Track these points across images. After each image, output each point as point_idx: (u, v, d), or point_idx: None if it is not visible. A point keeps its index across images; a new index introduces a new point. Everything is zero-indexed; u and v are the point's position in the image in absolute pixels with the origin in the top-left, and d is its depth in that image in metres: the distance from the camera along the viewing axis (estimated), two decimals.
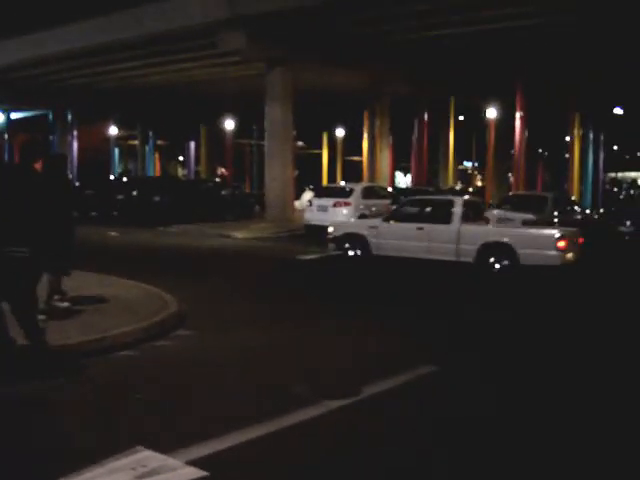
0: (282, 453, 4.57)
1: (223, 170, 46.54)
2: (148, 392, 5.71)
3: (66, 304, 8.02)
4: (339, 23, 22.15)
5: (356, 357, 7.05)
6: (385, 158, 30.65)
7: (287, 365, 6.69)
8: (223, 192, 28.71)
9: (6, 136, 39.70)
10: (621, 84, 30.18)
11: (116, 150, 46.82)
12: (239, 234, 21.10)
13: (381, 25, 22.25)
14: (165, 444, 4.48)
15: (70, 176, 32.34)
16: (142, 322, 7.62)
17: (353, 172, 42.24)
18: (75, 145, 39.48)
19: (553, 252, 11.91)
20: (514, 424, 5.23)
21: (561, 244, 11.94)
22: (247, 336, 7.80)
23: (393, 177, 40.29)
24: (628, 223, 18.64)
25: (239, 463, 4.39)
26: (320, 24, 22.02)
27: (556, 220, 17.39)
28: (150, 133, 44.99)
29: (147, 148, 45.55)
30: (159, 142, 48.86)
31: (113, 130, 42.72)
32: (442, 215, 13.30)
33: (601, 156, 36.35)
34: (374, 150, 30.07)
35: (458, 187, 39.54)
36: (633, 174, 67.14)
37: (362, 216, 19.51)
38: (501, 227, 13.70)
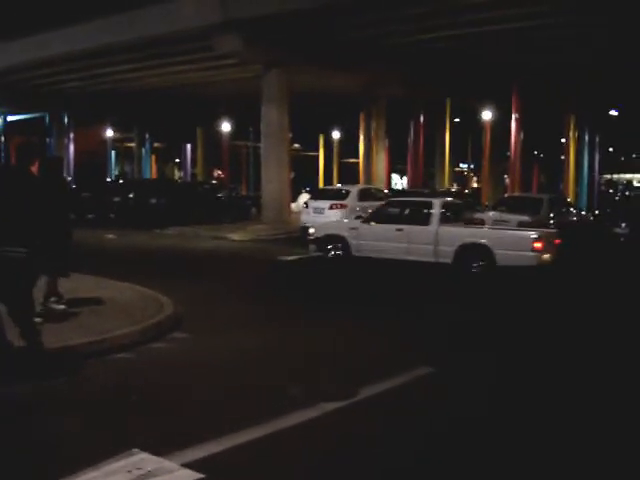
0: (278, 455, 4.58)
1: (219, 172, 46.52)
2: (144, 394, 5.72)
3: (62, 306, 8.03)
4: (335, 26, 22.16)
5: (350, 358, 7.07)
6: (381, 160, 30.65)
7: (283, 367, 6.70)
8: (219, 194, 28.73)
9: (2, 139, 39.63)
10: (617, 86, 30.24)
11: (113, 152, 46.79)
12: (235, 236, 21.12)
13: (377, 28, 22.25)
14: (161, 446, 4.48)
15: (69, 179, 32.35)
16: (138, 324, 7.64)
17: (349, 174, 42.24)
18: (72, 148, 39.39)
19: (529, 253, 12.06)
20: (512, 424, 5.25)
21: (537, 245, 12.09)
22: (242, 338, 7.82)
23: (389, 179, 40.27)
24: (623, 225, 18.68)
25: (235, 465, 4.40)
26: (316, 27, 22.02)
27: (552, 222, 17.45)
28: (147, 135, 44.96)
29: (144, 150, 45.48)
30: (156, 144, 48.81)
31: (110, 133, 42.67)
32: (421, 217, 13.46)
33: (596, 158, 36.38)
34: (370, 152, 30.08)
35: (454, 189, 39.55)
36: (628, 176, 67.34)
37: (358, 218, 19.50)
38: (478, 228, 13.82)
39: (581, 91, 30.02)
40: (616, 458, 4.68)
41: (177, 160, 54.90)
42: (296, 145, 47.17)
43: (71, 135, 39.33)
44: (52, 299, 7.99)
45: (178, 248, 18.06)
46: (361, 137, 31.04)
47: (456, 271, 12.57)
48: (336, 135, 46.37)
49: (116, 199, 26.35)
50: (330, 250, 14.30)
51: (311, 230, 15.22)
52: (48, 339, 6.32)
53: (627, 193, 47.81)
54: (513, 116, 27.95)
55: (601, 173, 42.27)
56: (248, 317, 9.09)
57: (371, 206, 21.39)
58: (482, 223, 15.47)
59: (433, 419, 5.36)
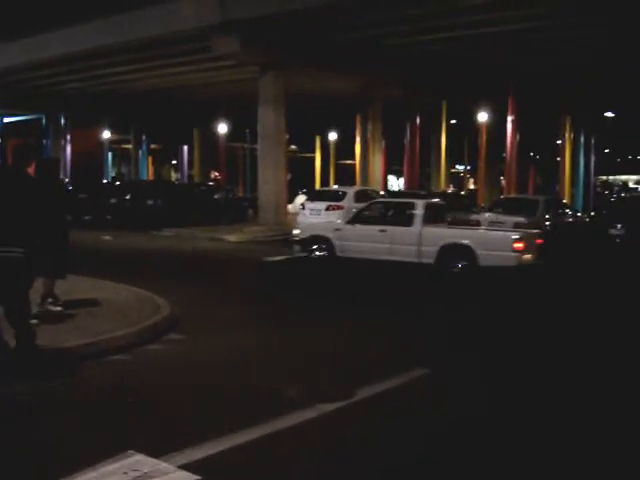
0: (276, 456, 4.57)
1: (216, 174, 46.50)
2: (141, 396, 5.71)
3: (59, 308, 8.02)
4: (335, 27, 22.19)
5: (347, 358, 7.07)
6: (378, 162, 30.67)
7: (281, 367, 6.70)
8: (216, 196, 28.73)
9: None
10: (614, 87, 30.29)
11: (109, 154, 46.71)
12: (232, 237, 21.12)
13: (377, 28, 22.29)
14: (157, 448, 4.47)
15: (66, 180, 32.29)
16: (135, 326, 7.63)
17: (346, 176, 42.27)
18: (68, 149, 39.37)
19: (510, 253, 12.12)
20: (510, 424, 5.26)
21: (518, 245, 12.17)
22: (239, 339, 7.82)
23: (386, 180, 40.30)
24: (619, 226, 18.70)
25: (232, 467, 4.39)
26: (315, 28, 22.05)
27: (548, 223, 17.49)
28: (143, 137, 44.92)
29: (140, 152, 45.44)
30: (152, 146, 48.78)
31: (106, 134, 42.62)
32: (404, 217, 13.54)
33: (592, 159, 36.46)
34: (367, 154, 30.08)
35: (450, 190, 39.60)
36: (624, 177, 67.47)
37: None
38: (460, 229, 13.89)
39: (578, 93, 30.07)
40: (616, 458, 4.68)
41: (174, 162, 54.85)
42: (293, 147, 47.19)
43: (68, 136, 39.32)
44: (49, 300, 7.98)
45: (174, 249, 18.06)
46: (357, 139, 31.04)
47: (438, 271, 12.69)
48: (333, 137, 46.38)
49: (113, 200, 26.33)
50: (314, 250, 14.39)
51: (295, 231, 15.48)
52: (44, 341, 6.32)
53: (623, 194, 47.87)
54: (509, 118, 27.99)
55: (597, 174, 42.34)
56: (244, 318, 9.10)
57: None
58: (478, 224, 15.50)
59: (433, 419, 5.36)
